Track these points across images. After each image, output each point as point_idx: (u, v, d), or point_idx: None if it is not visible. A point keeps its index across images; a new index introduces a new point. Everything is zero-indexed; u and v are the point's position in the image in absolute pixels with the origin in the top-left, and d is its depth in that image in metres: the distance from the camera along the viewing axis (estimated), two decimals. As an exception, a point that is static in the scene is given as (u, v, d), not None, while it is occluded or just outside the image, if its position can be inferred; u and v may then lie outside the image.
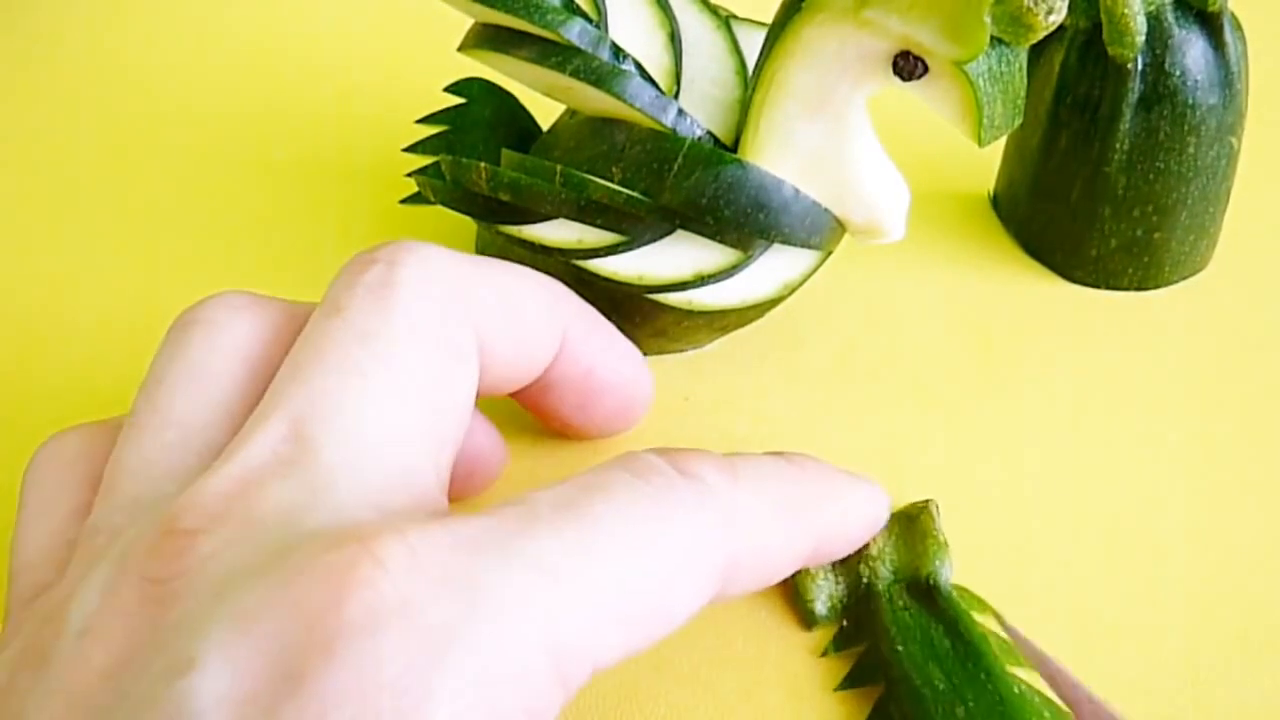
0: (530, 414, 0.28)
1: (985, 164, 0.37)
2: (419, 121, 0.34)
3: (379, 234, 0.36)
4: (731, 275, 0.29)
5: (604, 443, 0.30)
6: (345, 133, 0.40)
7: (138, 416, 0.21)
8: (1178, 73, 0.31)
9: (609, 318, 0.27)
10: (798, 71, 0.26)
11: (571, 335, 0.25)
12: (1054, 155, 0.33)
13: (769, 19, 0.27)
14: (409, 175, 0.32)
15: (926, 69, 0.24)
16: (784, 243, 0.28)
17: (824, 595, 0.26)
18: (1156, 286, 0.34)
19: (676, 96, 0.29)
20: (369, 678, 0.16)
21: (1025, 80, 0.25)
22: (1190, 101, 0.31)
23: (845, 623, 0.26)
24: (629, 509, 0.19)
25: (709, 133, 0.29)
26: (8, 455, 0.28)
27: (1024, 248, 0.35)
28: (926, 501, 0.27)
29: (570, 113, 0.31)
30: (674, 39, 0.30)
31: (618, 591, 0.18)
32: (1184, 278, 0.34)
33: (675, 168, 0.27)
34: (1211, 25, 0.31)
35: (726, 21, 0.31)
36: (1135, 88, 0.31)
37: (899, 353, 0.32)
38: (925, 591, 0.26)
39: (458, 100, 0.34)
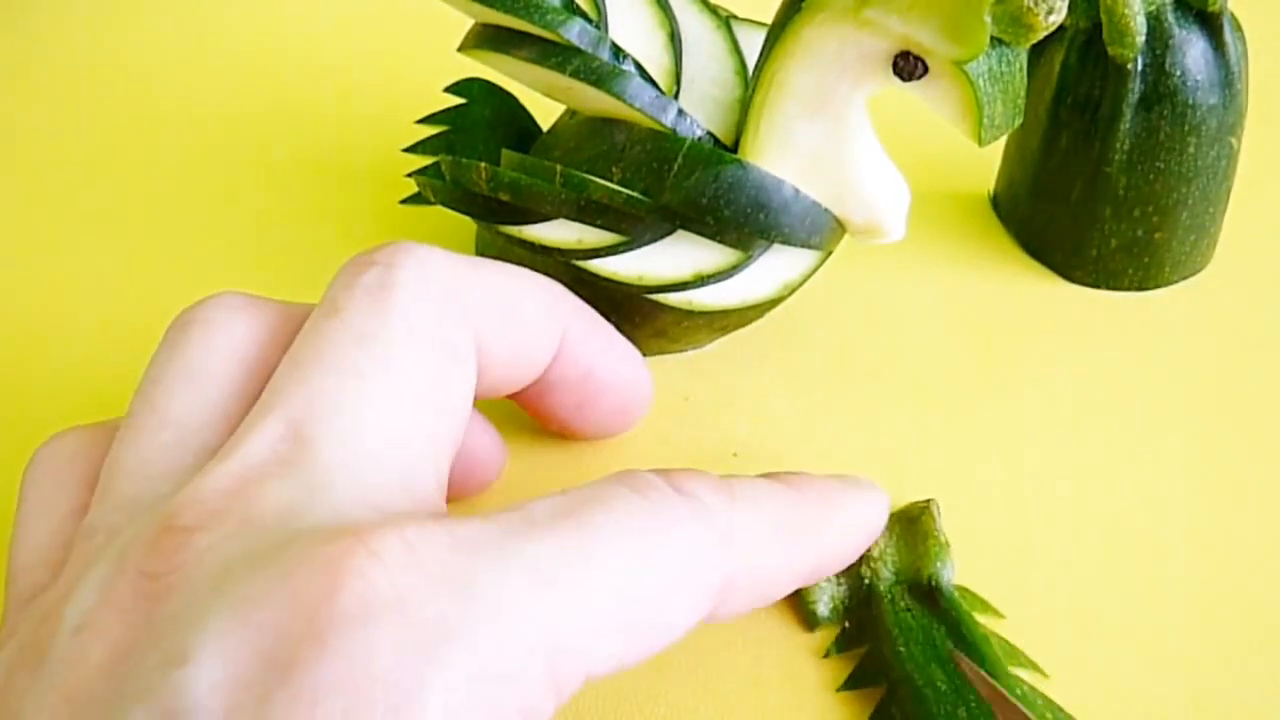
0: (529, 415, 0.28)
1: (985, 164, 0.37)
2: (419, 122, 0.34)
3: (379, 234, 0.36)
4: (731, 275, 0.29)
5: (604, 443, 0.30)
6: (345, 133, 0.40)
7: (135, 417, 0.21)
8: (1178, 73, 0.31)
9: (609, 318, 0.27)
10: (798, 71, 0.26)
11: (570, 336, 0.25)
12: (1054, 155, 0.33)
13: (769, 19, 0.27)
14: (409, 175, 0.32)
15: (926, 69, 0.24)
16: (784, 243, 0.28)
17: (826, 597, 0.26)
18: (1157, 286, 0.34)
19: (676, 96, 0.29)
20: (361, 669, 0.16)
21: (1025, 80, 0.25)
22: (1190, 101, 0.31)
23: (847, 624, 0.26)
24: (627, 520, 0.19)
25: (709, 133, 0.29)
26: (7, 455, 0.28)
27: (1024, 248, 0.35)
28: (928, 502, 0.27)
29: (570, 113, 0.31)
30: (674, 39, 0.30)
31: (614, 600, 0.18)
32: (1184, 278, 0.34)
33: (675, 168, 0.27)
34: (1211, 25, 0.31)
35: (726, 21, 0.31)
36: (1135, 88, 0.31)
37: (899, 353, 0.32)
38: (927, 593, 0.26)
39: (458, 100, 0.34)
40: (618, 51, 0.28)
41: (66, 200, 0.38)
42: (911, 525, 0.27)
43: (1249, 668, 0.25)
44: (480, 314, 0.23)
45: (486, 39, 0.30)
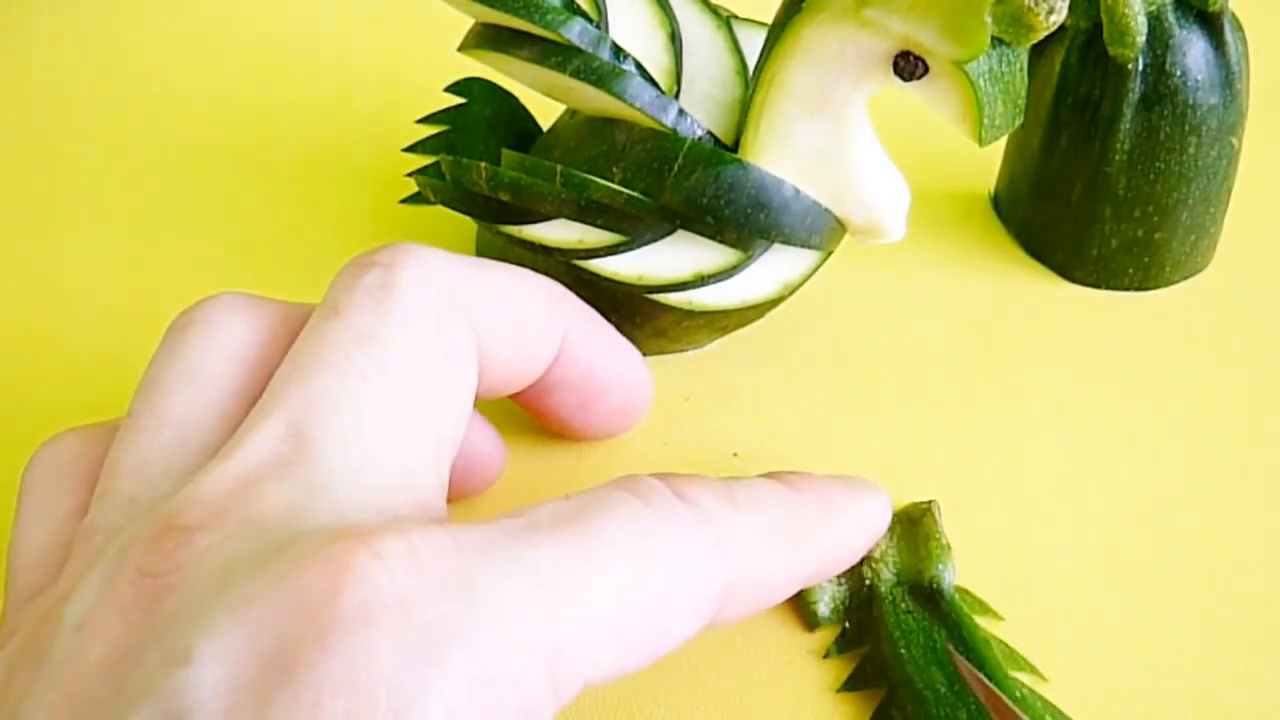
0: (529, 415, 0.28)
1: (985, 164, 0.37)
2: (419, 121, 0.34)
3: (379, 234, 0.36)
4: (731, 275, 0.29)
5: (604, 443, 0.30)
6: (345, 133, 0.40)
7: (135, 416, 0.21)
8: (1178, 73, 0.31)
9: (609, 318, 0.27)
10: (798, 71, 0.26)
11: (571, 336, 0.25)
12: (1054, 155, 0.33)
13: (769, 19, 0.27)
14: (409, 175, 0.32)
15: (927, 69, 0.24)
16: (784, 243, 0.28)
17: (826, 597, 0.26)
18: (1157, 287, 0.34)
19: (677, 96, 0.29)
20: (363, 670, 0.16)
21: (1026, 80, 0.25)
22: (1191, 101, 0.31)
23: (848, 625, 0.26)
24: (629, 526, 0.19)
25: (709, 133, 0.29)
26: (7, 455, 0.28)
27: (1024, 248, 0.35)
28: (929, 503, 0.27)
29: (570, 113, 0.31)
30: (674, 39, 0.30)
31: (615, 605, 0.18)
32: (1184, 278, 0.34)
33: (675, 168, 0.27)
34: (1212, 25, 0.31)
35: (727, 21, 0.31)
36: (1136, 88, 0.31)
37: (899, 353, 0.32)
38: (928, 594, 0.26)
39: (458, 100, 0.34)
40: (618, 51, 0.28)
41: (66, 200, 0.38)
42: (913, 527, 0.27)
43: (1249, 668, 0.25)
44: (481, 315, 0.23)
45: (486, 39, 0.30)
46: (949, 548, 0.26)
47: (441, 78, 0.35)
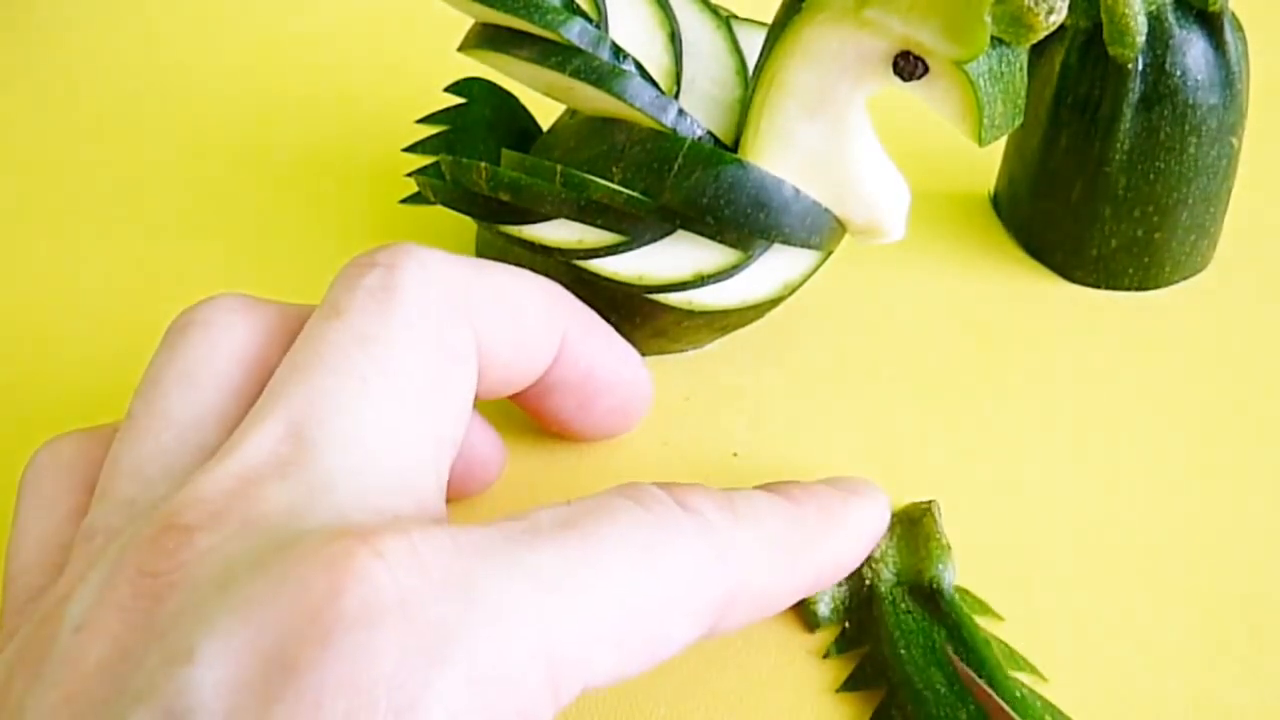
0: (529, 416, 0.28)
1: (985, 164, 0.37)
2: (419, 121, 0.34)
3: (379, 234, 0.36)
4: (731, 275, 0.29)
5: (604, 444, 0.30)
6: (345, 133, 0.40)
7: (134, 418, 0.21)
8: (1178, 73, 0.31)
9: (609, 318, 0.27)
10: (798, 71, 0.26)
11: (570, 337, 0.25)
12: (1054, 155, 0.33)
13: (769, 19, 0.27)
14: (409, 175, 0.32)
15: (927, 69, 0.24)
16: (784, 243, 0.28)
17: (826, 597, 0.26)
18: (1157, 286, 0.34)
19: (676, 96, 0.29)
20: (364, 670, 0.16)
21: (1026, 80, 0.25)
22: (1191, 101, 0.31)
23: (847, 625, 0.26)
24: (630, 533, 0.19)
25: (709, 133, 0.29)
26: (7, 455, 0.28)
27: (1024, 248, 0.35)
28: (929, 504, 0.27)
29: (570, 113, 0.31)
30: (674, 39, 0.30)
31: (615, 610, 0.18)
32: (1184, 278, 0.34)
33: (675, 168, 0.27)
34: (1212, 25, 0.31)
35: (726, 21, 0.31)
36: (1136, 88, 0.31)
37: (899, 353, 0.32)
38: (928, 594, 0.26)
39: (458, 100, 0.34)
40: (618, 51, 0.28)
41: (66, 200, 0.38)
42: (913, 527, 0.27)
43: (1249, 668, 0.25)
44: (481, 315, 0.23)
45: (486, 39, 0.30)
46: (949, 548, 0.26)
47: (441, 78, 0.35)
